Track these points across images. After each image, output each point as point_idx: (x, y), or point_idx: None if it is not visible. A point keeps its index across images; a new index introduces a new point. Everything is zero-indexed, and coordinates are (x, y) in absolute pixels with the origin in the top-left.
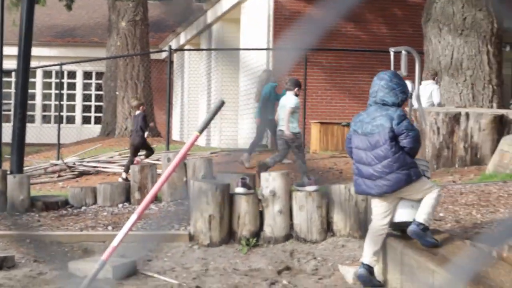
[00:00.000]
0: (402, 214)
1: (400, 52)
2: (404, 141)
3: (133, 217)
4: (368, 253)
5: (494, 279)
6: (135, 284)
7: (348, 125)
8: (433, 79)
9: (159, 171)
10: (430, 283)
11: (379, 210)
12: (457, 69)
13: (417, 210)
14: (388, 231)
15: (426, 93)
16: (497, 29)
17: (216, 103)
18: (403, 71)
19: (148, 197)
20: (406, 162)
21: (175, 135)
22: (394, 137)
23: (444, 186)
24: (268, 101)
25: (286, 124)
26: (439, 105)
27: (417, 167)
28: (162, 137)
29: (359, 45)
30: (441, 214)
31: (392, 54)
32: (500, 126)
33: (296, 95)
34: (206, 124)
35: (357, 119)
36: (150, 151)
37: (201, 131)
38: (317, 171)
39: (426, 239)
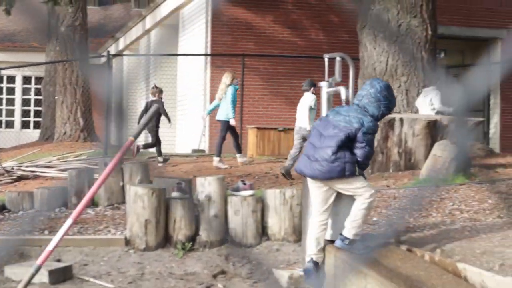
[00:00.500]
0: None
1: (335, 58)
2: (358, 151)
3: (68, 221)
4: (312, 248)
5: (426, 282)
6: None
7: (284, 130)
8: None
9: (96, 176)
10: (363, 286)
11: (316, 198)
12: (392, 75)
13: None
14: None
15: (427, 100)
16: (431, 36)
17: (151, 109)
18: (337, 77)
19: (83, 201)
20: (345, 157)
21: (114, 140)
22: (351, 139)
23: (378, 191)
24: (231, 102)
25: (308, 120)
26: (439, 111)
27: (354, 166)
28: (100, 142)
29: (296, 51)
30: (374, 219)
31: (326, 60)
32: (433, 132)
33: (313, 93)
34: (141, 130)
35: (335, 108)
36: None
37: (135, 136)
38: (253, 175)
39: (355, 252)
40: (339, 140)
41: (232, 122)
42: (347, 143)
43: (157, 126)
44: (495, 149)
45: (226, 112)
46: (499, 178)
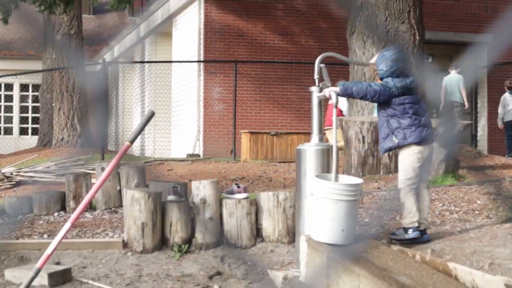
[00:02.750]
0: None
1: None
2: None
3: (67, 225)
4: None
5: (418, 281)
6: None
7: (276, 134)
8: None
9: (93, 180)
10: (356, 286)
11: (424, 157)
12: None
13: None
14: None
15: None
16: (418, 41)
17: (146, 114)
18: (327, 82)
19: (81, 205)
20: None
21: (110, 146)
22: None
23: (369, 193)
24: None
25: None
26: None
27: None
28: (97, 147)
29: (287, 57)
30: (366, 220)
31: (317, 65)
32: None
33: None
34: (137, 135)
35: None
36: None
37: (131, 141)
38: (247, 179)
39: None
40: None
41: None
42: None
43: None
44: (483, 151)
45: None
46: (487, 179)
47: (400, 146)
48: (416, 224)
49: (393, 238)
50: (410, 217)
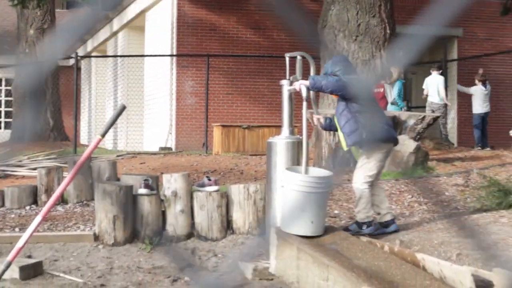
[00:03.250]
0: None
1: (295, 57)
2: None
3: (38, 218)
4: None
5: (386, 272)
6: (41, 284)
7: (248, 127)
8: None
9: (65, 174)
10: (325, 277)
11: (386, 155)
12: None
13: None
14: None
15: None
16: (389, 35)
17: (117, 108)
18: (297, 76)
19: (52, 198)
20: None
21: (83, 139)
22: None
23: (339, 185)
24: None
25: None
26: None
27: None
28: (70, 141)
29: (259, 51)
30: (336, 211)
31: (287, 59)
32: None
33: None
34: (108, 128)
35: None
36: None
37: (103, 135)
38: (219, 171)
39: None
40: None
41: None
42: None
43: None
44: (452, 143)
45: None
46: (456, 171)
47: (366, 142)
48: (371, 219)
49: (348, 232)
50: (364, 212)
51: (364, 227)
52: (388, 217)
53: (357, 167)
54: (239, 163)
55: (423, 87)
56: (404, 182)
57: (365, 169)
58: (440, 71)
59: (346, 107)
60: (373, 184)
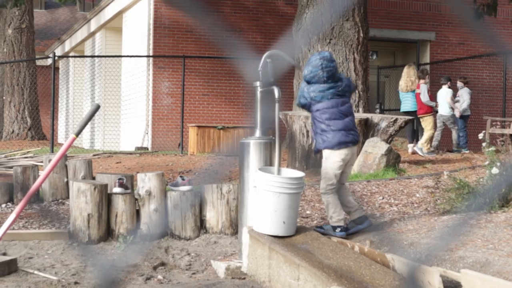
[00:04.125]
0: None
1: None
2: None
3: (12, 216)
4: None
5: (356, 272)
6: (15, 281)
7: (223, 128)
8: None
9: (41, 172)
10: (296, 276)
11: (345, 161)
12: None
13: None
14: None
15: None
16: (363, 38)
17: (91, 107)
18: (270, 77)
19: (26, 196)
20: None
21: (60, 138)
22: None
23: (311, 186)
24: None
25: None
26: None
27: None
28: (47, 140)
29: (234, 52)
30: (308, 212)
31: (262, 60)
32: (365, 129)
33: (449, 87)
34: (82, 127)
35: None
36: None
37: (77, 134)
38: (194, 172)
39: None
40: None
41: None
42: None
43: None
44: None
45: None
46: (427, 173)
47: (319, 151)
48: (342, 223)
49: (320, 231)
50: (336, 216)
51: (338, 230)
52: (358, 214)
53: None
54: (213, 163)
55: (437, 100)
56: (376, 183)
57: (324, 178)
58: (448, 82)
59: (312, 115)
60: (336, 188)
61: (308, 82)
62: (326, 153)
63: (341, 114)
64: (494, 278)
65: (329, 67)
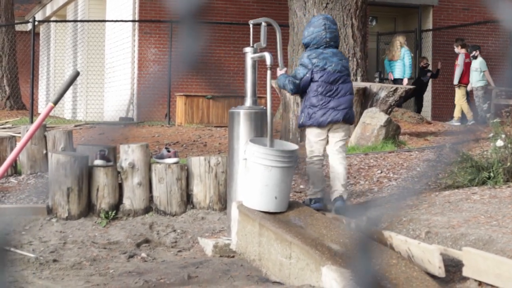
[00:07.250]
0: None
1: (260, 24)
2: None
3: None
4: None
5: (351, 250)
6: None
7: (213, 97)
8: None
9: (18, 143)
10: (287, 254)
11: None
12: None
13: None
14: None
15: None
16: (361, 3)
17: (70, 74)
18: (262, 43)
19: (2, 168)
20: None
21: (41, 108)
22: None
23: (305, 159)
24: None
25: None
26: None
27: None
28: (27, 110)
29: (226, 18)
30: (301, 186)
31: (251, 26)
32: (363, 99)
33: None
34: (61, 95)
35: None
36: None
37: (55, 102)
38: (181, 143)
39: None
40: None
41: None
42: None
43: None
44: (426, 118)
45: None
46: (428, 146)
47: (303, 126)
48: (319, 195)
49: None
50: (312, 188)
51: (312, 202)
52: (334, 195)
53: None
54: (202, 134)
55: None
56: (374, 156)
57: (307, 150)
58: (477, 51)
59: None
60: (321, 161)
61: (307, 46)
62: (310, 129)
63: (337, 92)
64: (497, 257)
65: (332, 28)
